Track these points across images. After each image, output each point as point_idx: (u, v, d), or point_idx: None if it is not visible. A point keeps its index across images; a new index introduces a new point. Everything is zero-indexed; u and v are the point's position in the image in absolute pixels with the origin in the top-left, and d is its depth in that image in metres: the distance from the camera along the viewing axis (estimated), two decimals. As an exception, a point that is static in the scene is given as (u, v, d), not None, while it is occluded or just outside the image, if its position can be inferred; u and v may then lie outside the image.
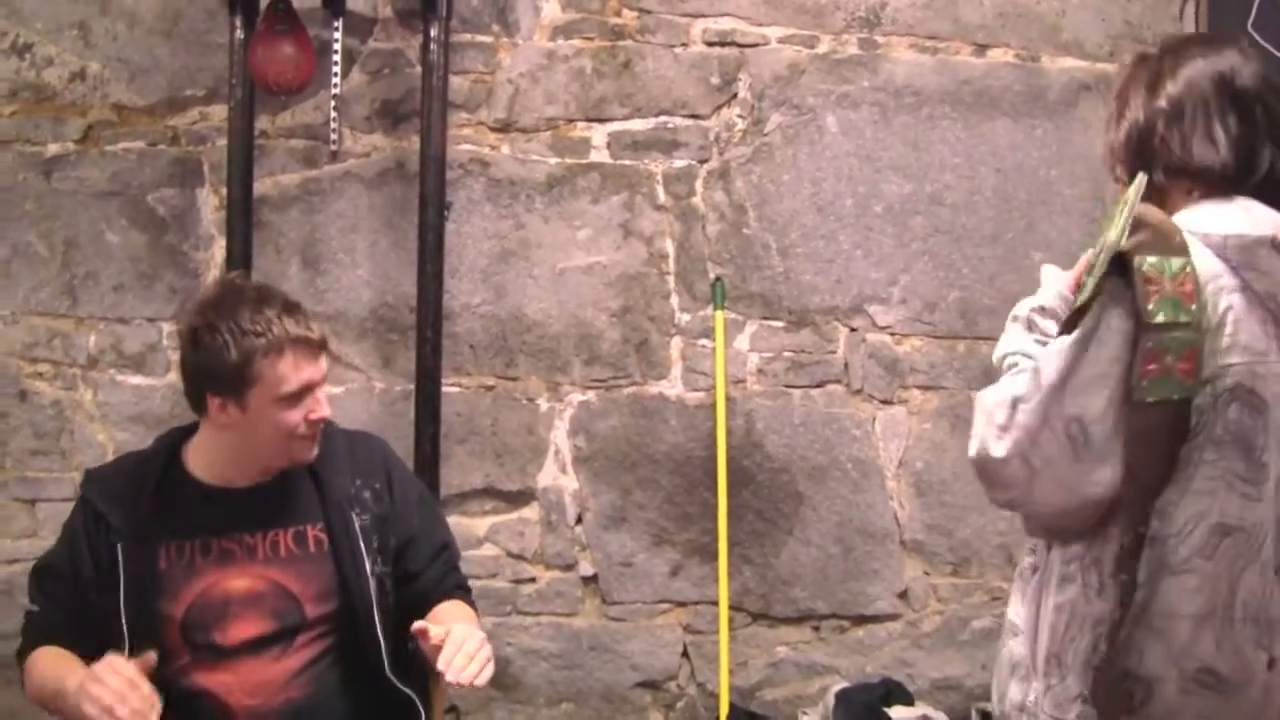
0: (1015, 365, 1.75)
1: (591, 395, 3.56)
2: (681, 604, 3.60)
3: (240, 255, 3.37)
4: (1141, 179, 1.74)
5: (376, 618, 2.27)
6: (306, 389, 2.21)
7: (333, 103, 3.48)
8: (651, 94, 3.56)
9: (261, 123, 3.50)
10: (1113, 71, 3.56)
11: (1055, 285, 1.84)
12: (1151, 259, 1.65)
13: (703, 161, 3.57)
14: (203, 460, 2.30)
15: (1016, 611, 1.89)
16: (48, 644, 2.22)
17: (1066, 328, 1.69)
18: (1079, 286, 1.74)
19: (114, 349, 3.54)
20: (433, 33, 3.35)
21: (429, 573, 2.37)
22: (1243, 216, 1.77)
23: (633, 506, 3.57)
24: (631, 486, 3.57)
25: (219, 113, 3.51)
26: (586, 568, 3.58)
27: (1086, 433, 1.65)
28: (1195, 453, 1.70)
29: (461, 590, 2.42)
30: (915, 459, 3.61)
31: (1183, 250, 1.67)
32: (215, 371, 2.17)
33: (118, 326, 3.54)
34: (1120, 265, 1.65)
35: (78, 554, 2.24)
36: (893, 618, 3.63)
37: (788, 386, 3.58)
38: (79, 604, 2.23)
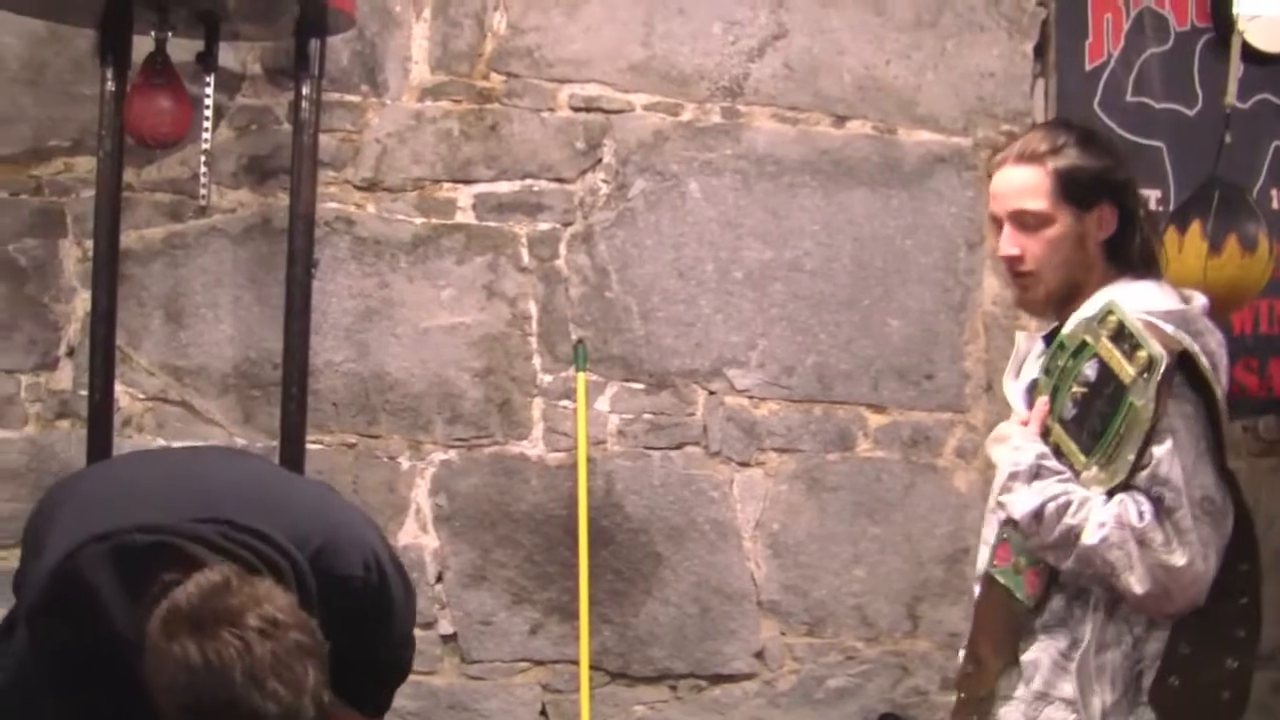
0: (1070, 504, 1.97)
1: (453, 454, 3.58)
2: (540, 663, 3.62)
3: (105, 307, 3.33)
4: (1117, 303, 2.00)
5: None
6: None
7: (203, 157, 3.47)
8: (517, 157, 3.61)
9: (128, 175, 3.48)
10: (966, 145, 3.69)
11: (1023, 437, 2.06)
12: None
13: (567, 225, 3.62)
14: None
15: (1057, 686, 2.06)
16: None
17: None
18: (1045, 430, 2.05)
19: (-31, 400, 3.50)
20: (305, 90, 3.35)
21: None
22: (1157, 292, 2.08)
23: (493, 565, 3.59)
24: (492, 545, 3.59)
25: (84, 164, 3.49)
26: (446, 626, 3.59)
27: (1213, 501, 1.95)
28: None
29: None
30: (772, 520, 3.67)
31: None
32: None
33: (-27, 378, 3.50)
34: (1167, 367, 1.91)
35: None
36: (749, 677, 3.67)
37: (647, 448, 3.63)
38: None
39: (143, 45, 3.30)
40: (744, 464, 3.66)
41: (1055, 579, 2.05)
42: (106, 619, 1.84)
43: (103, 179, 3.34)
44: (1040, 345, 2.21)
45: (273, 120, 3.56)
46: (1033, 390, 2.13)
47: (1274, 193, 3.78)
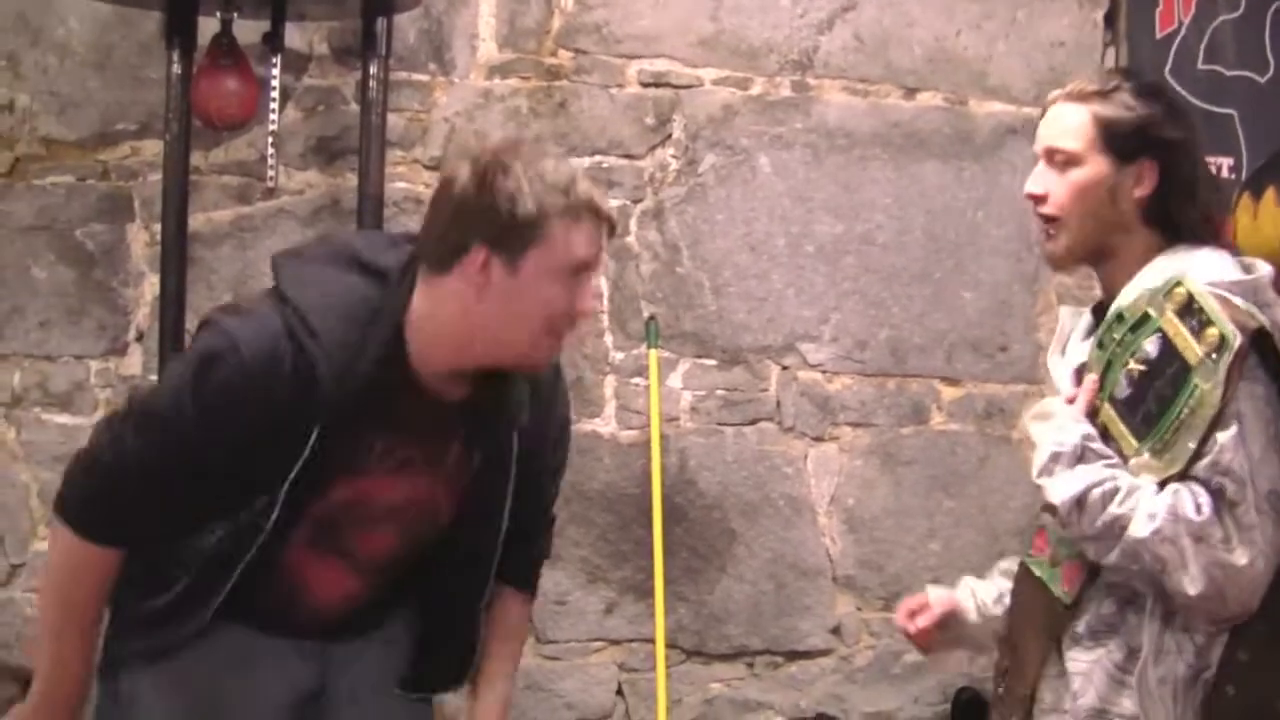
0: (1117, 492, 1.79)
1: (526, 433, 3.56)
2: (616, 642, 3.61)
3: (174, 291, 3.32)
4: (1187, 275, 1.82)
5: (496, 555, 2.03)
6: (586, 268, 1.82)
7: (270, 139, 3.46)
8: (586, 134, 3.59)
9: (194, 158, 3.46)
10: (1037, 116, 3.64)
11: (1069, 416, 1.88)
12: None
13: (637, 201, 3.60)
14: (424, 344, 1.84)
15: (1116, 703, 1.86)
16: (119, 543, 1.87)
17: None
18: (1093, 410, 1.86)
19: (39, 386, 3.48)
20: (372, 70, 3.33)
21: (523, 550, 2.13)
22: (1219, 261, 1.89)
23: (567, 544, 3.57)
24: (565, 524, 3.56)
25: (151, 147, 3.48)
26: (520, 606, 3.57)
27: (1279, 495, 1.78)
28: None
29: (530, 590, 2.22)
30: (846, 495, 3.65)
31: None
32: (497, 218, 1.76)
33: (43, 364, 3.48)
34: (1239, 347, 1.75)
35: (236, 420, 1.77)
36: (825, 653, 3.66)
37: (720, 424, 3.61)
38: (201, 473, 1.81)
39: (209, 27, 3.30)
40: (818, 439, 3.64)
41: (1095, 576, 1.87)
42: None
43: (170, 162, 3.33)
44: (1088, 319, 2.05)
45: (340, 100, 3.54)
46: (1083, 370, 1.96)
47: (1350, 156, 3.73)
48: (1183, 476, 1.76)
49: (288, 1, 3.37)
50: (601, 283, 3.58)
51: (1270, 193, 3.33)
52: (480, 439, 1.97)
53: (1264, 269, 1.88)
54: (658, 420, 3.53)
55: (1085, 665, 1.87)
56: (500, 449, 1.97)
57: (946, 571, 3.62)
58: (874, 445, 3.65)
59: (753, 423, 3.63)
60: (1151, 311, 1.83)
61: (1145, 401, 1.81)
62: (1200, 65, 3.71)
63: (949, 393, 3.66)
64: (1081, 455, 1.82)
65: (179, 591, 1.91)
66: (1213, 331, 1.74)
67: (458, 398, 1.91)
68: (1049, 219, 1.98)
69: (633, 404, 3.59)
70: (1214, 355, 1.74)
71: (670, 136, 3.61)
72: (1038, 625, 1.95)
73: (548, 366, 1.97)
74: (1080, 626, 1.88)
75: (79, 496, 1.88)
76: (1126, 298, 1.89)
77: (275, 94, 3.45)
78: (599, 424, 3.59)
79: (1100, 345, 1.90)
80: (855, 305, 3.64)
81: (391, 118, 3.48)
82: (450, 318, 1.82)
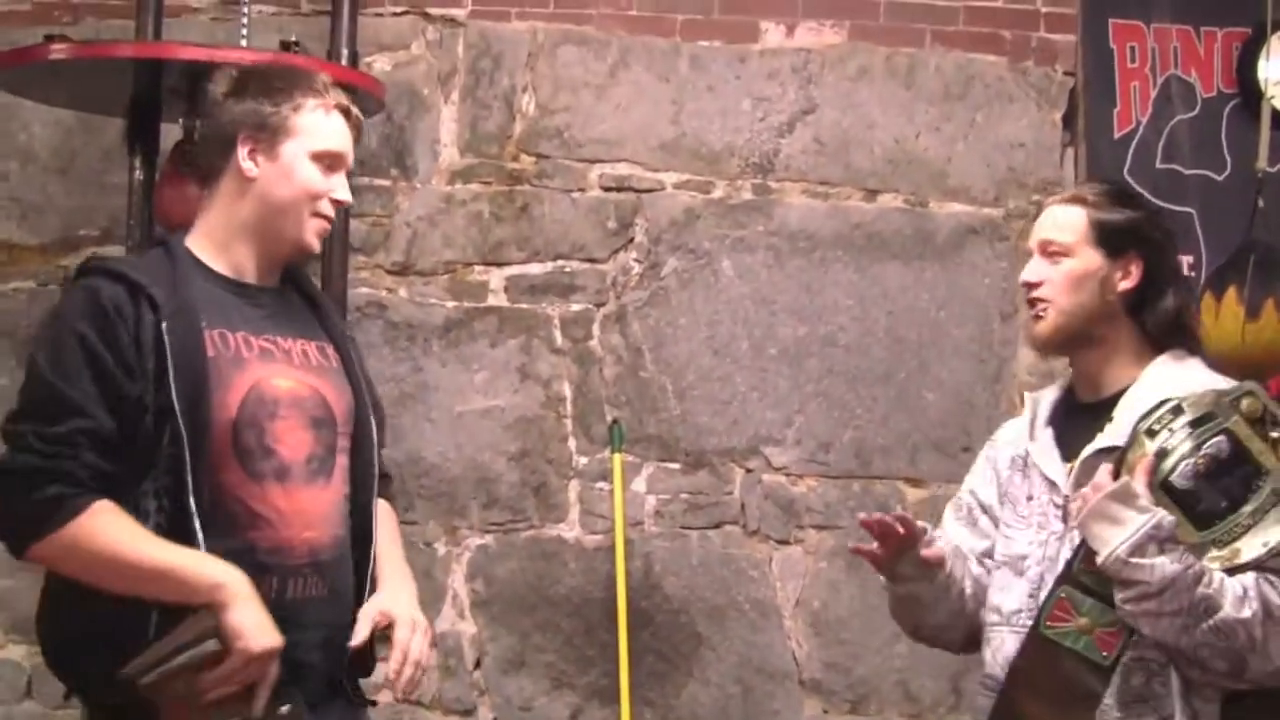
0: (1203, 574, 1.94)
1: (489, 539, 3.55)
2: (581, 748, 3.57)
3: (134, 397, 3.32)
4: (1258, 388, 2.02)
5: (376, 451, 2.16)
6: (339, 160, 2.09)
7: (230, 245, 3.46)
8: (549, 238, 3.60)
9: (156, 264, 3.47)
10: (998, 216, 3.69)
11: (1146, 500, 1.97)
12: None
13: (600, 305, 3.61)
14: (212, 245, 2.07)
15: None
16: (98, 495, 1.88)
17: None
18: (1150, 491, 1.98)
19: None
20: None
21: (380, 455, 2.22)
22: (1207, 375, 2.14)
23: (532, 650, 3.55)
24: (530, 630, 3.55)
25: (113, 253, 3.47)
26: (485, 713, 3.54)
27: None
28: None
29: (386, 481, 2.29)
30: (812, 598, 3.63)
31: None
32: (256, 112, 2.04)
33: (4, 472, 3.46)
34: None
35: (114, 339, 1.90)
36: (793, 757, 3.63)
37: (685, 528, 3.60)
38: (114, 414, 1.89)
39: (172, 133, 3.31)
40: (783, 542, 3.63)
41: (1129, 642, 2.01)
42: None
43: (132, 268, 3.33)
44: (1051, 405, 2.25)
45: (303, 206, 3.54)
46: (1105, 454, 2.07)
47: (1307, 255, 3.76)
48: (1249, 568, 1.95)
49: (251, 109, 3.38)
50: (565, 387, 3.59)
51: (1231, 291, 3.36)
52: (322, 340, 2.15)
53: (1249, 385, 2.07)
54: (622, 524, 3.52)
55: None
56: (343, 353, 2.17)
57: (914, 674, 3.63)
58: (839, 547, 3.63)
59: (717, 526, 3.61)
60: (1216, 412, 1.99)
61: (1210, 495, 1.98)
62: (1159, 164, 3.73)
63: (913, 494, 3.65)
64: (1171, 538, 1.95)
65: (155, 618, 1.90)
66: None
67: (268, 298, 2.11)
68: (1039, 300, 2.17)
69: (597, 508, 3.57)
70: None
71: (632, 240, 3.63)
72: (1060, 696, 2.06)
73: (317, 248, 2.14)
74: (1109, 698, 2.01)
75: (18, 497, 1.89)
76: (1180, 390, 2.03)
77: (238, 200, 3.45)
78: (563, 529, 3.57)
79: (1150, 433, 2.01)
80: (819, 407, 3.64)
81: (354, 222, 3.50)
82: (228, 222, 2.08)
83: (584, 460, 3.58)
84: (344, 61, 3.43)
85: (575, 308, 3.60)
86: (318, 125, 2.06)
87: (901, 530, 2.18)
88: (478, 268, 3.59)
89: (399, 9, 3.65)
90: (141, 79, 3.15)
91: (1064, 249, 2.16)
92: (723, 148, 3.66)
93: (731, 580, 3.60)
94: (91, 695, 2.00)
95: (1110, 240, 2.14)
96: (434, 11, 3.64)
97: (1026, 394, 2.39)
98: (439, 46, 3.64)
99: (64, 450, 1.87)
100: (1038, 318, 2.18)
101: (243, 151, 2.04)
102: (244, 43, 3.37)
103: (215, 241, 2.08)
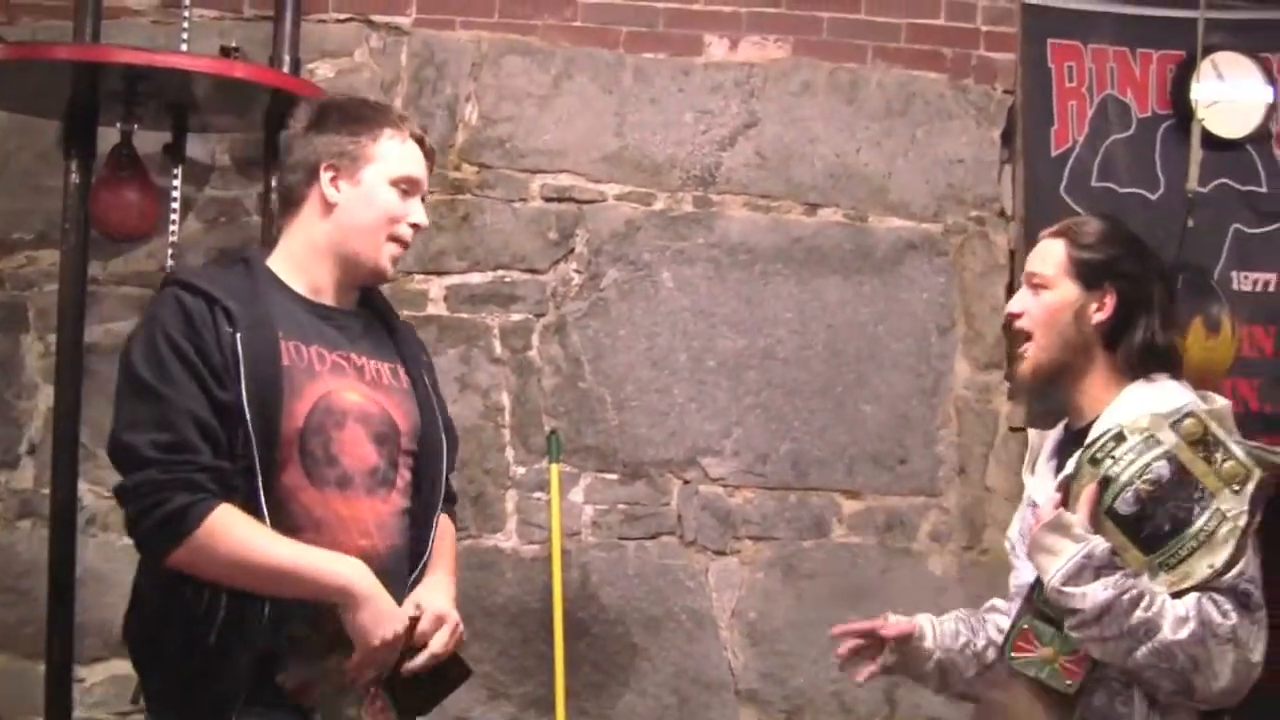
0: (1142, 597, 1.97)
1: (426, 547, 3.54)
2: (516, 758, 3.57)
3: (69, 404, 3.28)
4: (1200, 411, 2.04)
5: (444, 471, 2.26)
6: (415, 186, 2.21)
7: (170, 250, 3.43)
8: (490, 248, 3.60)
9: (93, 269, 3.43)
10: (936, 231, 3.72)
11: (1082, 529, 2.01)
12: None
13: (539, 315, 3.61)
14: (292, 266, 2.18)
15: None
16: (219, 498, 1.96)
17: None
18: (1093, 519, 2.02)
19: (-71, 498, 3.42)
20: (274, 181, 3.33)
21: (448, 476, 2.32)
22: (1186, 393, 2.13)
23: (468, 660, 3.52)
24: (467, 640, 3.50)
25: (47, 257, 3.45)
26: (420, 722, 3.53)
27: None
28: None
29: (451, 504, 2.38)
30: (748, 609, 3.65)
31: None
32: (338, 142, 2.16)
33: (-67, 475, 3.42)
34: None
35: (203, 346, 2.00)
36: (727, 767, 3.64)
37: (622, 539, 3.61)
38: (216, 415, 1.99)
39: (109, 137, 3.29)
40: (720, 552, 3.64)
41: (1094, 666, 2.05)
42: None
43: (67, 272, 3.29)
44: (1056, 438, 2.29)
45: (242, 212, 3.54)
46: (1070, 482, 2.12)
47: (1234, 275, 3.81)
48: (1197, 588, 1.98)
49: (189, 113, 3.36)
50: (504, 397, 3.59)
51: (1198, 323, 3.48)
52: (395, 362, 2.24)
53: (1222, 401, 2.09)
54: (559, 535, 3.52)
55: None
56: (414, 376, 2.25)
57: (849, 685, 3.62)
58: (775, 558, 3.66)
59: (654, 537, 3.62)
60: (1158, 435, 2.02)
61: (1155, 518, 2.01)
62: (1094, 182, 3.78)
63: (850, 505, 3.68)
64: (1106, 564, 1.99)
65: (222, 616, 1.98)
66: (1232, 466, 1.99)
67: (345, 318, 2.20)
68: (1021, 335, 2.25)
69: (534, 518, 3.57)
70: (1237, 486, 1.99)
71: (573, 251, 3.63)
72: None
73: (392, 273, 2.24)
74: (1075, 716, 2.06)
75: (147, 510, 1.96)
76: (1120, 419, 2.07)
77: (176, 205, 3.44)
78: (500, 539, 3.57)
79: (1093, 461, 2.05)
80: (757, 419, 3.66)
81: (294, 230, 3.47)
82: (309, 246, 2.17)
83: (522, 470, 3.58)
84: (286, 68, 3.43)
85: (515, 318, 3.60)
86: (396, 152, 2.18)
87: (866, 629, 2.38)
88: (418, 276, 3.58)
89: (343, 16, 3.63)
90: (79, 82, 3.13)
91: (1045, 281, 2.24)
92: (665, 160, 3.67)
93: (668, 590, 3.62)
94: (159, 679, 2.06)
95: (1086, 273, 2.21)
96: (378, 19, 3.63)
97: (1030, 430, 2.46)
98: (382, 54, 3.63)
99: (182, 457, 1.96)
100: (1020, 357, 2.27)
101: (325, 178, 2.15)
102: (184, 47, 3.37)
103: (296, 263, 2.18)
